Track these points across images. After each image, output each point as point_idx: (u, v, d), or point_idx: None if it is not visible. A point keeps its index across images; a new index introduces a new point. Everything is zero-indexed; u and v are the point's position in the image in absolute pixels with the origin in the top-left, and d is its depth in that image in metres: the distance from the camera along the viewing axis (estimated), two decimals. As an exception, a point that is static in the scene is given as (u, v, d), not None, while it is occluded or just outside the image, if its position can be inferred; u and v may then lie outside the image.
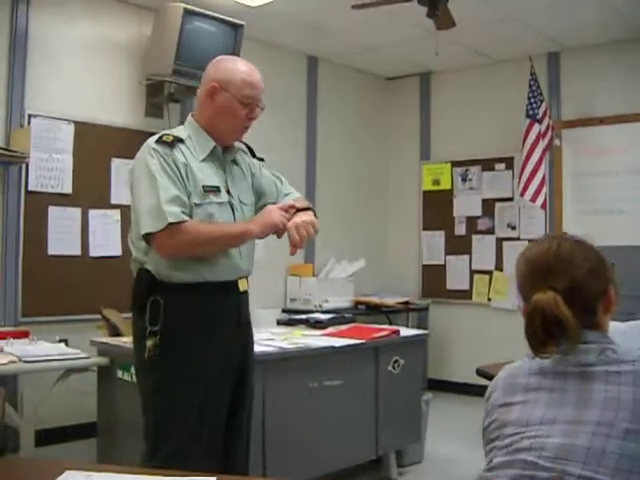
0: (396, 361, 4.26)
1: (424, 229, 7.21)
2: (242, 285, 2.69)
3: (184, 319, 2.50)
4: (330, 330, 4.37)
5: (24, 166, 4.72)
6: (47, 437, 4.34)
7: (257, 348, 3.09)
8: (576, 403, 1.41)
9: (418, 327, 6.14)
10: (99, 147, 5.10)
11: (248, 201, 2.75)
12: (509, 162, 6.60)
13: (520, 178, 5.99)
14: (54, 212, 4.87)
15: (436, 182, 7.15)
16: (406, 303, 6.65)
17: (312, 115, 6.72)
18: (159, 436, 2.50)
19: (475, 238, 6.85)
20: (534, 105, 5.98)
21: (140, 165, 2.55)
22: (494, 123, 6.67)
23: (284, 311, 6.09)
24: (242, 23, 5.23)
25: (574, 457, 1.35)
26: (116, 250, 5.08)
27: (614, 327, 2.49)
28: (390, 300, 6.57)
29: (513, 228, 6.56)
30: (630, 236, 5.70)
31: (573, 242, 1.60)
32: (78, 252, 4.97)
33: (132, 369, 3.07)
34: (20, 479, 1.77)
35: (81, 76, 5.08)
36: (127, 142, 4.86)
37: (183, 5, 4.96)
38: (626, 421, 1.35)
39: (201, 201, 2.53)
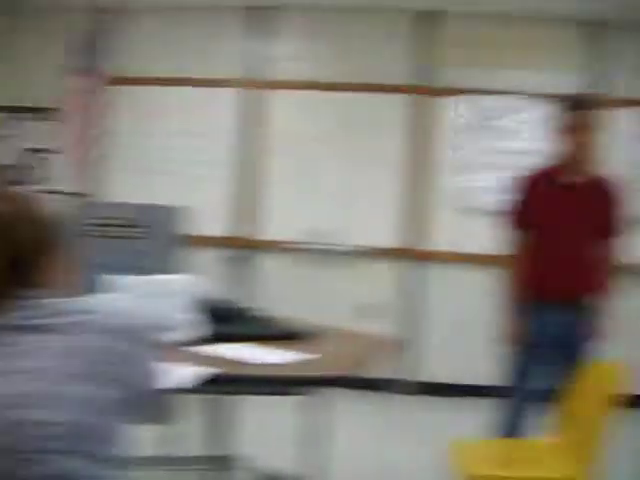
0: None
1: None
2: None
3: None
4: None
5: None
6: None
7: None
8: (25, 355, 1.46)
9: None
10: None
11: None
12: (51, 113, 6.33)
13: (64, 131, 5.85)
14: None
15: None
16: None
17: None
18: None
19: (12, 188, 6.51)
20: (84, 58, 5.86)
21: None
22: (39, 72, 6.29)
23: None
24: None
25: (16, 403, 1.41)
26: None
27: (125, 281, 2.68)
28: None
29: (48, 182, 6.36)
30: (176, 197, 5.90)
31: (22, 204, 1.59)
32: None
33: None
34: None
35: None
36: None
37: None
38: (72, 366, 1.45)
39: None
